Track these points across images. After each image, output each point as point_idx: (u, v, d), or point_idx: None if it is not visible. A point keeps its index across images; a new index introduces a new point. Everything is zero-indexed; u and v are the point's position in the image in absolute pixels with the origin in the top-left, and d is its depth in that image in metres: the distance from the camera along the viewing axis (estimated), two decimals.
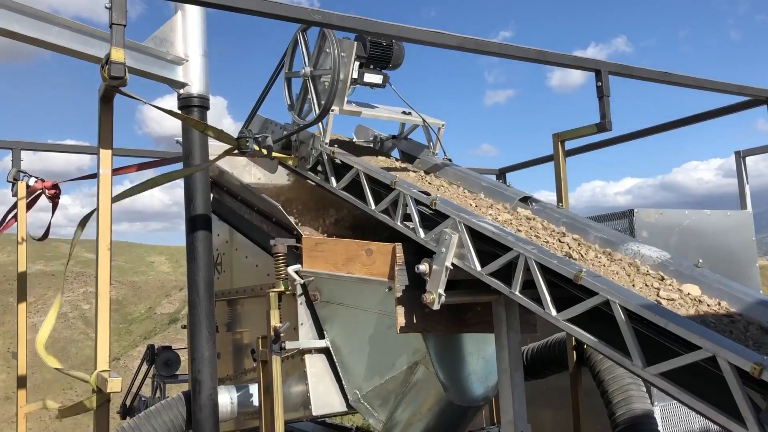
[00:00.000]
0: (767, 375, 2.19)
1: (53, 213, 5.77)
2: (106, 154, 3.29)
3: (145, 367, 7.80)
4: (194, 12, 4.32)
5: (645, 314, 2.57)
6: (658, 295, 2.96)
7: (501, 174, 7.73)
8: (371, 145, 5.44)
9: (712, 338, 2.39)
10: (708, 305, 2.97)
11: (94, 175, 3.53)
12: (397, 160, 5.12)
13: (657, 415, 4.45)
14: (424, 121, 4.92)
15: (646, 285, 3.08)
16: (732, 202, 5.74)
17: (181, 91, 4.26)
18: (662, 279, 3.17)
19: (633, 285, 3.05)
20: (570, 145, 4.77)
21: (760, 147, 5.37)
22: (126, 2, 2.93)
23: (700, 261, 3.26)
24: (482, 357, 4.04)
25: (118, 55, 2.95)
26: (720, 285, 3.11)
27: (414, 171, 4.76)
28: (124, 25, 2.97)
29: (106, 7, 2.97)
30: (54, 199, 5.56)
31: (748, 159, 5.76)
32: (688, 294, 3.03)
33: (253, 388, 4.44)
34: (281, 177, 5.44)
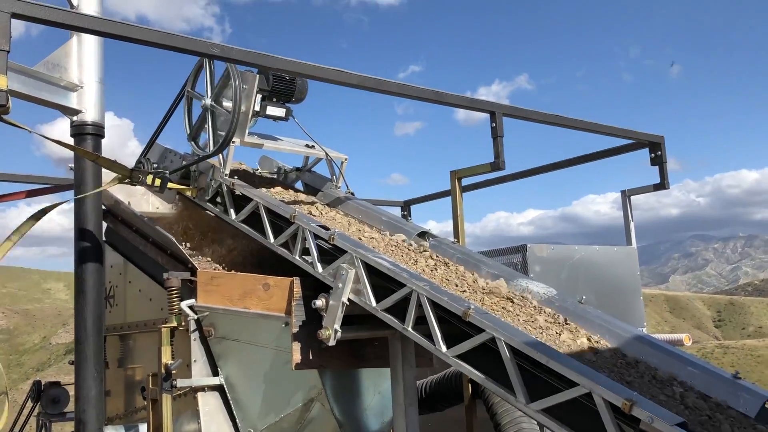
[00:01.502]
0: (636, 410, 2.31)
1: None
2: None
3: (30, 404, 7.33)
4: (91, 38, 4.20)
5: (527, 351, 2.66)
6: (543, 332, 3.08)
7: (406, 206, 7.85)
8: (275, 177, 5.42)
9: (588, 375, 2.50)
10: (589, 341, 3.12)
11: None
12: (300, 192, 5.12)
13: None
14: (327, 154, 4.95)
15: (533, 321, 3.20)
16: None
17: (75, 118, 4.12)
18: (548, 315, 3.30)
19: (521, 321, 3.17)
20: (467, 181, 4.92)
21: (643, 187, 5.71)
22: (10, 27, 2.80)
23: (584, 297, 3.42)
24: (378, 392, 4.06)
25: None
26: (601, 321, 3.27)
27: (316, 204, 4.77)
28: (8, 51, 2.83)
29: None
30: None
31: (639, 195, 6.12)
32: (571, 330, 3.17)
33: (144, 428, 4.26)
34: (180, 207, 5.32)
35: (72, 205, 4.07)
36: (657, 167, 5.54)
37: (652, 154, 5.48)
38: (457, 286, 3.52)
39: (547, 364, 2.60)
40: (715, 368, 2.99)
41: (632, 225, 5.94)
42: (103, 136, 4.17)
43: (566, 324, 3.25)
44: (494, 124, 4.23)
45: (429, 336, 3.08)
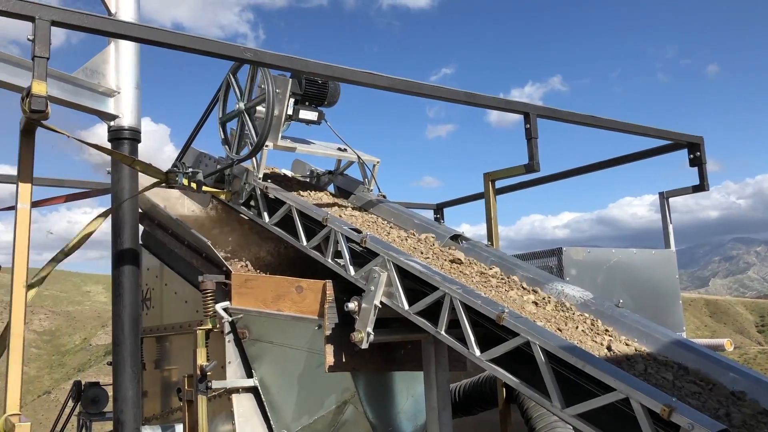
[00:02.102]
0: (676, 416, 2.25)
1: None
2: (25, 188, 3.19)
3: (71, 404, 7.48)
4: (128, 44, 4.27)
5: (563, 356, 2.61)
6: (578, 336, 3.03)
7: (438, 209, 7.81)
8: (308, 180, 5.45)
9: (626, 380, 2.45)
10: (626, 346, 3.06)
11: (13, 207, 3.41)
12: (333, 195, 5.13)
13: None
14: (359, 157, 4.96)
15: (568, 325, 3.15)
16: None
17: (112, 123, 4.19)
18: (584, 319, 3.25)
19: (555, 325, 3.12)
20: (501, 183, 4.87)
21: (682, 189, 5.59)
22: (50, 34, 2.87)
23: (621, 301, 3.36)
24: (411, 395, 4.04)
25: (39, 88, 2.87)
26: (638, 325, 3.20)
27: (348, 207, 4.78)
28: (47, 58, 2.90)
29: (28, 39, 2.90)
30: None
31: (677, 198, 5.99)
32: (608, 334, 3.11)
33: (180, 428, 4.31)
34: (215, 210, 5.38)
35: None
36: (696, 169, 5.42)
37: (691, 155, 5.36)
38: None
39: (584, 368, 2.55)
40: (758, 374, 2.90)
41: (671, 228, 5.82)
42: (139, 141, 4.24)
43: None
44: (528, 126, 4.18)
45: (462, 339, 3.06)
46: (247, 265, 4.53)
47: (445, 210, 7.87)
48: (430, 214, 7.83)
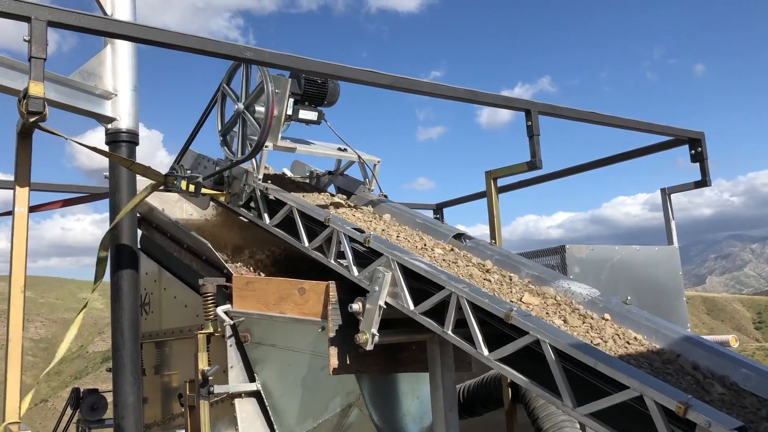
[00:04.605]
0: (692, 414, 2.21)
1: None
2: (22, 192, 3.13)
3: (69, 411, 7.40)
4: (125, 46, 4.22)
5: (574, 354, 2.57)
6: (587, 333, 2.98)
7: (438, 209, 7.78)
8: (307, 181, 5.40)
9: (639, 377, 2.40)
10: (636, 343, 3.02)
11: (10, 212, 3.36)
12: (333, 196, 5.08)
13: None
14: (359, 157, 4.91)
15: (577, 323, 3.11)
16: (658, 235, 5.91)
17: (109, 126, 4.14)
18: (592, 317, 3.21)
19: (564, 323, 3.07)
20: (502, 182, 4.84)
21: (684, 184, 5.56)
22: (46, 35, 2.82)
23: (629, 298, 3.32)
24: (417, 397, 3.99)
25: (36, 89, 2.82)
26: (647, 322, 3.16)
27: (350, 207, 4.73)
28: (44, 59, 2.85)
29: (25, 40, 2.85)
30: None
31: (672, 195, 5.96)
32: (617, 331, 3.07)
33: None
34: (214, 213, 5.32)
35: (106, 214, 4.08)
36: (692, 166, 5.40)
37: (692, 151, 5.33)
38: (501, 286, 3.46)
39: (596, 366, 2.51)
40: None
41: (673, 224, 5.79)
42: (137, 144, 4.19)
43: (611, 325, 3.16)
44: (530, 123, 4.15)
45: (469, 339, 3.01)
46: (248, 268, 4.48)
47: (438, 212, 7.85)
48: (430, 215, 7.80)
